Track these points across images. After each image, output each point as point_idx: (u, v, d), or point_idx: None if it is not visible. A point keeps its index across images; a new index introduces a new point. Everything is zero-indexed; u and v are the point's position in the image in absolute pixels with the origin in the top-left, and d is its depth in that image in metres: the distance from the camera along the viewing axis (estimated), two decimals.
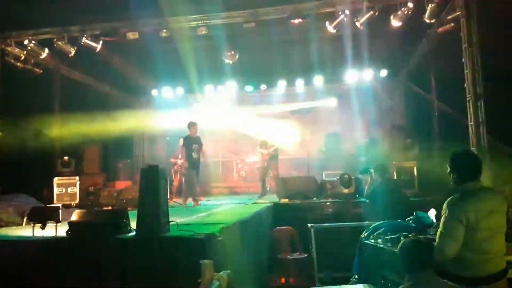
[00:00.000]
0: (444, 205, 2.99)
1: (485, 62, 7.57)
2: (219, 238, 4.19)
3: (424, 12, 7.90)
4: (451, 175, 3.13)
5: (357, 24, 8.16)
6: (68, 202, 8.26)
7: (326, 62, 10.78)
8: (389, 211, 5.23)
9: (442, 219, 2.97)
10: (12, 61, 8.94)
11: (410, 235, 3.64)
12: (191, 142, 8.60)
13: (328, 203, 7.77)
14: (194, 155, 8.54)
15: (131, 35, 8.48)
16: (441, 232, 2.96)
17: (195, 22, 8.54)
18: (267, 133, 10.90)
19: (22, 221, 6.32)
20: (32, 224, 4.56)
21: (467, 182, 3.03)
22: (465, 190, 3.01)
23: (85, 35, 8.60)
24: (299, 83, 12.56)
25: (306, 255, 6.26)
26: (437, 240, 2.98)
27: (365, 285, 3.87)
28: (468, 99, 7.80)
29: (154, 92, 13.12)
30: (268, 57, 10.40)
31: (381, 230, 4.14)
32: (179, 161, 9.87)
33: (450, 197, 3.00)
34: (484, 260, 2.90)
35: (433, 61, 10.21)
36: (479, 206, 2.92)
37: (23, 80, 9.25)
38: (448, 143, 9.30)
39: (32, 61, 9.28)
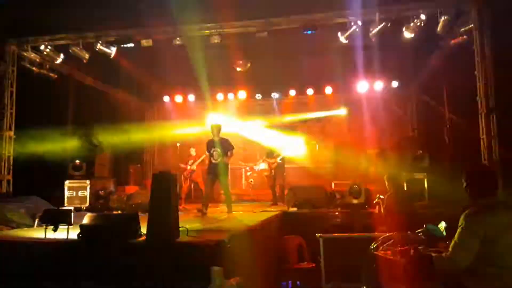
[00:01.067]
0: (461, 217, 3.00)
1: (497, 75, 7.55)
2: (228, 245, 4.22)
3: (436, 24, 7.92)
4: (467, 190, 3.14)
5: (369, 35, 8.20)
6: (79, 205, 8.35)
7: (337, 72, 10.81)
8: (399, 222, 5.21)
9: (458, 230, 2.97)
10: (28, 65, 9.13)
11: (420, 248, 3.64)
12: (210, 146, 7.99)
13: (337, 213, 7.75)
14: (213, 160, 7.90)
15: (145, 42, 8.63)
16: (455, 242, 2.96)
17: (208, 31, 8.67)
18: (277, 142, 10.94)
19: (34, 223, 6.38)
20: (44, 226, 4.62)
21: (484, 197, 3.04)
22: (483, 205, 3.01)
23: (100, 42, 8.75)
24: (310, 92, 12.61)
25: (314, 265, 6.25)
26: (450, 249, 2.98)
27: None
28: (480, 112, 7.78)
29: (165, 98, 13.28)
30: (279, 66, 10.47)
31: (390, 242, 4.13)
32: (189, 167, 9.94)
33: (468, 210, 3.01)
34: (504, 274, 2.87)
35: (445, 73, 10.17)
36: (497, 221, 2.92)
37: (38, 84, 9.42)
38: (460, 156, 9.25)
39: (47, 66, 9.46)
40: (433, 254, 3.16)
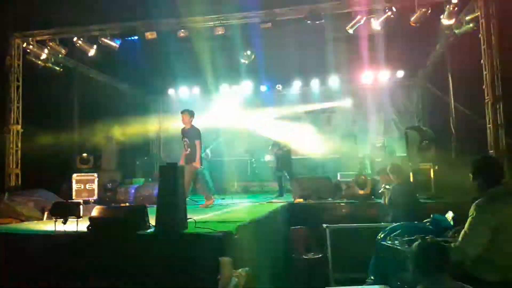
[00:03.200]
0: (472, 207, 3.02)
1: (504, 64, 7.48)
2: (236, 236, 4.25)
3: (442, 13, 7.84)
4: (475, 181, 3.15)
5: (374, 24, 8.13)
6: (87, 198, 8.38)
7: (342, 63, 10.77)
8: (405, 213, 5.22)
9: (469, 220, 2.99)
10: (33, 59, 9.13)
11: (427, 237, 3.64)
12: (182, 135, 7.72)
13: (343, 203, 7.76)
14: (183, 151, 7.67)
15: (150, 35, 8.57)
16: (465, 232, 2.98)
17: (212, 22, 8.61)
18: (282, 133, 10.93)
19: (43, 216, 6.45)
20: (54, 219, 4.66)
21: (492, 187, 3.04)
22: (492, 195, 3.02)
23: (104, 34, 8.74)
24: (315, 83, 12.58)
25: (321, 255, 6.28)
26: (460, 239, 2.99)
27: (382, 286, 3.89)
28: (486, 100, 7.72)
29: (170, 91, 13.29)
30: (284, 57, 10.42)
31: (397, 232, 4.14)
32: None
33: (478, 200, 3.03)
34: None
35: (451, 62, 10.11)
36: (507, 210, 2.94)
37: (43, 78, 9.44)
38: (466, 145, 9.21)
39: (52, 59, 9.47)
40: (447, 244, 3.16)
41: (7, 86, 9.00)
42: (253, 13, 8.57)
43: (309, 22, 8.26)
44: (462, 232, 3.02)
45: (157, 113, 13.88)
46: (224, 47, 9.49)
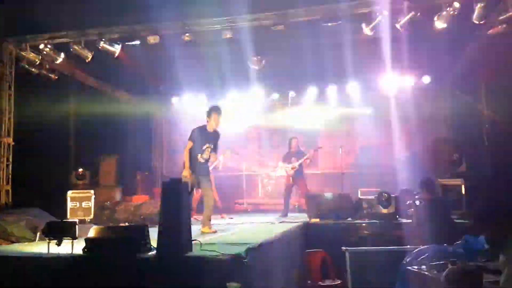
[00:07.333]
0: None
1: None
2: (245, 260, 4.24)
3: (472, 13, 7.82)
4: None
5: (397, 26, 8.14)
6: (82, 217, 8.42)
7: (362, 68, 10.75)
8: (435, 234, 5.16)
9: None
10: (27, 66, 9.30)
11: (458, 262, 3.59)
12: (203, 138, 6.53)
13: (364, 224, 7.70)
14: (200, 158, 6.58)
15: (152, 39, 8.68)
16: None
17: (219, 25, 8.69)
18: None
19: (35, 237, 6.50)
20: (47, 240, 4.70)
21: None
22: None
23: (103, 39, 8.87)
24: (331, 90, 12.55)
25: (339, 282, 6.22)
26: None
27: None
28: None
29: (174, 99, 13.38)
30: (297, 62, 10.43)
31: (425, 255, 4.10)
32: None
33: None
34: None
35: (483, 66, 10.04)
36: None
37: (37, 86, 9.59)
38: (501, 157, 9.11)
39: (47, 66, 9.64)
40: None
41: None
42: (264, 15, 8.62)
43: (325, 24, 8.29)
44: None
45: (160, 123, 13.98)
46: (232, 51, 9.54)
